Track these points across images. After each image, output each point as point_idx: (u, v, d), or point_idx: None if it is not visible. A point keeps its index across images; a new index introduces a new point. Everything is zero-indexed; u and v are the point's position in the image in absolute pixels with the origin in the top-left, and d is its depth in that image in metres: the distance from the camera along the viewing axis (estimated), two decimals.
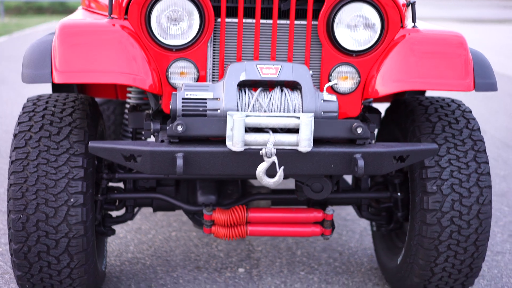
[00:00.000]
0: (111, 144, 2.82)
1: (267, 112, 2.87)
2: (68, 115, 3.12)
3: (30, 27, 19.51)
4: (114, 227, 4.30)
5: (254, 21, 3.02)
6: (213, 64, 3.05)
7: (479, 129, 3.31)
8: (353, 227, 4.59)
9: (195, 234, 4.39)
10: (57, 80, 2.84)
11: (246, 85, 2.93)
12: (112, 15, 3.04)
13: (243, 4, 2.98)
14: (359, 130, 2.87)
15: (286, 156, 2.82)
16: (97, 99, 5.08)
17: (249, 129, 2.83)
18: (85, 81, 2.87)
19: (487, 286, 3.76)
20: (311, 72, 2.94)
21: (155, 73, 2.97)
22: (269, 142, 2.75)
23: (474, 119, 3.35)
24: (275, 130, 2.85)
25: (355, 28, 3.05)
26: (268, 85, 2.96)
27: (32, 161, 2.97)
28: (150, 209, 4.76)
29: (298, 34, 3.06)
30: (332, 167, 2.88)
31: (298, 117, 2.79)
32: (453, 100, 3.49)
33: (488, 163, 3.23)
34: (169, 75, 3.00)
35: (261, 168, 2.75)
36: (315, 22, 3.05)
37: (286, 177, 2.90)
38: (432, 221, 3.17)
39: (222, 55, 3.03)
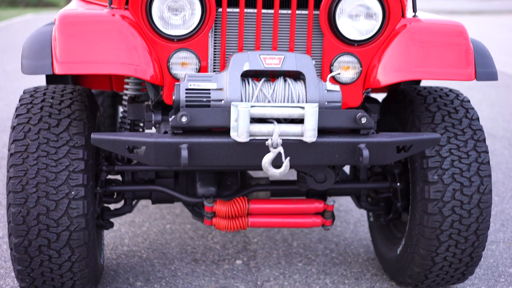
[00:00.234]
0: (114, 136, 2.79)
1: (271, 102, 2.85)
2: (66, 106, 3.07)
3: (5, 20, 19.27)
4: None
5: (255, 10, 3.00)
6: (214, 54, 3.02)
7: (478, 119, 3.32)
8: (346, 218, 4.59)
9: (190, 226, 4.37)
10: (57, 71, 2.79)
11: (248, 76, 2.91)
12: (112, 5, 3.00)
13: None
14: (364, 120, 2.85)
15: (291, 146, 2.80)
16: None
17: (253, 120, 2.81)
18: (86, 72, 2.83)
19: (484, 275, 3.78)
20: (313, 62, 2.92)
21: (156, 64, 2.94)
22: (275, 133, 2.74)
23: (472, 108, 3.36)
24: (278, 121, 2.83)
25: (357, 17, 3.04)
26: (269, 76, 2.93)
27: (31, 154, 2.93)
28: (143, 202, 4.72)
29: (300, 24, 3.04)
30: (336, 157, 2.86)
31: (302, 107, 2.77)
32: (451, 90, 3.50)
33: (488, 152, 3.24)
34: (170, 66, 2.97)
35: (267, 159, 2.73)
36: (317, 12, 3.03)
37: (290, 167, 2.88)
38: (433, 211, 3.17)
39: (223, 45, 3.00)
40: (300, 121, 2.85)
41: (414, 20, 3.14)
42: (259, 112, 2.76)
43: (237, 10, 2.99)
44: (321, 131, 2.87)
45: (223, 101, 2.81)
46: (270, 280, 3.65)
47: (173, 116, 2.81)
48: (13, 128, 3.00)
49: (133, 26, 2.92)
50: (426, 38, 3.08)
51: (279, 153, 2.74)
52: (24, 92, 3.19)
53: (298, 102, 2.86)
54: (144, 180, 3.41)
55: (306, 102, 2.85)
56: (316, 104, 2.77)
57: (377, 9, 3.04)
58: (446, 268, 3.33)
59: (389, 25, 3.07)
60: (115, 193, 3.43)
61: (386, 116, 3.61)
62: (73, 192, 2.92)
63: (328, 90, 2.88)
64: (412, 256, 3.32)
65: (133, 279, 3.61)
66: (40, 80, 8.93)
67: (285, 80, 2.89)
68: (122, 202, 3.52)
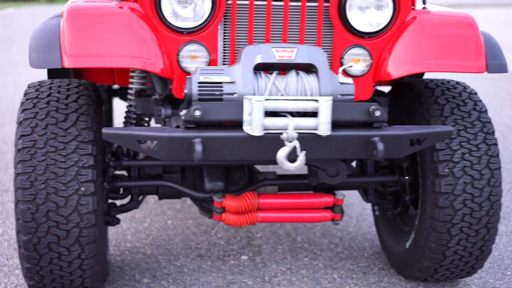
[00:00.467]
0: (126, 130, 2.74)
1: (284, 95, 2.81)
2: (73, 101, 3.02)
3: None
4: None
5: (265, 2, 2.96)
6: (224, 47, 2.98)
7: (486, 111, 3.30)
8: (348, 212, 4.57)
9: (192, 222, 4.32)
10: (67, 64, 2.74)
11: (259, 68, 2.87)
12: None
13: None
14: (378, 113, 2.82)
15: (305, 140, 2.76)
16: None
17: (265, 113, 2.77)
18: (95, 65, 2.78)
19: (490, 268, 3.77)
20: (325, 54, 2.89)
21: (166, 57, 2.89)
22: (290, 126, 2.70)
23: (480, 100, 3.34)
24: (291, 114, 2.80)
25: (367, 9, 3.01)
26: (279, 68, 2.90)
27: (39, 149, 2.87)
28: None
29: (310, 16, 3.00)
30: (350, 150, 2.83)
31: (317, 101, 2.74)
32: (458, 82, 3.48)
33: (497, 145, 3.22)
34: (180, 59, 2.92)
35: (282, 153, 2.69)
36: (327, 4, 3.00)
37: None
38: (444, 204, 3.15)
39: (233, 38, 2.96)
40: (312, 114, 2.81)
41: (424, 12, 3.11)
42: (273, 105, 2.72)
43: (247, 2, 2.94)
44: (333, 125, 2.84)
45: (235, 95, 2.77)
46: (278, 276, 3.62)
47: (184, 110, 2.77)
48: (20, 123, 2.94)
49: (142, 19, 2.87)
50: (436, 30, 3.06)
51: (294, 147, 2.70)
52: (29, 87, 3.13)
53: (311, 95, 2.83)
54: (151, 175, 3.36)
55: (319, 95, 2.82)
56: (330, 97, 2.74)
57: (388, 0, 3.01)
58: (457, 262, 3.31)
59: (399, 17, 3.04)
60: (121, 189, 3.37)
61: (392, 109, 3.58)
62: (82, 188, 2.87)
63: (341, 83, 2.85)
64: (422, 250, 3.30)
65: (139, 276, 3.56)
66: (26, 74, 8.83)
67: (297, 73, 2.85)
68: (128, 198, 3.46)
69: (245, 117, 2.73)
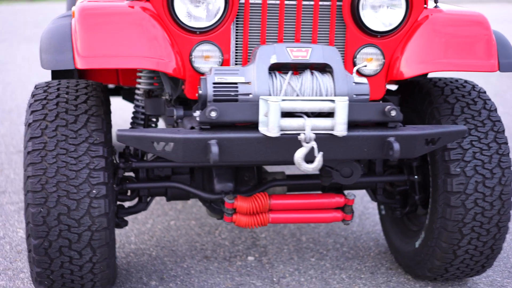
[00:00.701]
0: (140, 132, 2.70)
1: (299, 95, 2.78)
2: (83, 102, 2.97)
3: None
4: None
5: (278, 2, 2.92)
6: (236, 47, 2.94)
7: (496, 110, 3.29)
8: None
9: (195, 222, 4.29)
10: (80, 65, 2.70)
11: (272, 68, 2.84)
12: None
13: None
14: (393, 113, 2.80)
15: (321, 140, 2.73)
16: None
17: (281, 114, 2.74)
18: (109, 66, 2.74)
19: (497, 267, 3.77)
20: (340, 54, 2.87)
21: (179, 57, 2.85)
22: (307, 127, 2.67)
23: (490, 99, 3.34)
24: (306, 115, 2.77)
25: (380, 8, 2.99)
26: (292, 68, 2.87)
27: (50, 152, 2.82)
28: None
29: (323, 15, 2.97)
30: (365, 151, 2.81)
31: (333, 101, 2.71)
32: (466, 81, 3.47)
33: (507, 144, 3.21)
34: (192, 59, 2.88)
35: (300, 154, 2.66)
36: (340, 3, 2.97)
37: None
38: (456, 204, 3.14)
39: (246, 37, 2.93)
40: (327, 114, 2.79)
41: (436, 10, 3.10)
42: (290, 106, 2.69)
43: (259, 1, 2.91)
44: (348, 125, 2.82)
45: (251, 95, 2.74)
46: (286, 277, 3.59)
47: (198, 111, 2.74)
48: (29, 125, 2.89)
49: (155, 18, 2.83)
50: (449, 29, 3.05)
51: (312, 148, 2.67)
52: (36, 88, 3.07)
53: (326, 95, 2.80)
54: (160, 176, 3.32)
55: (334, 95, 2.79)
56: (347, 97, 2.71)
57: None
58: (467, 261, 3.30)
59: (412, 16, 3.03)
60: (129, 191, 3.33)
61: (401, 108, 3.56)
62: (94, 191, 2.83)
63: (356, 83, 2.83)
64: (433, 249, 3.29)
65: (146, 278, 3.52)
66: (14, 72, 8.73)
67: (311, 73, 2.83)
68: (136, 199, 3.42)
69: (261, 117, 2.70)
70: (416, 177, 3.46)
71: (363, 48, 3.00)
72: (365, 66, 2.98)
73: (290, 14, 2.94)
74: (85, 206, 2.82)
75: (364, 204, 4.65)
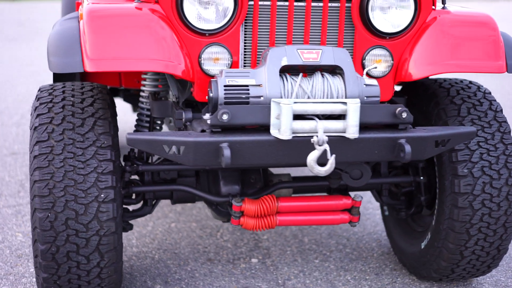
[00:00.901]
0: (151, 136, 2.67)
1: (310, 98, 2.76)
2: (89, 105, 2.93)
3: None
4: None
5: (287, 3, 2.90)
6: (245, 49, 2.91)
7: (501, 110, 3.29)
8: None
9: (195, 224, 4.25)
10: (89, 68, 2.66)
11: (282, 70, 2.81)
12: None
13: None
14: (404, 115, 2.80)
15: (332, 143, 2.72)
16: None
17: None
18: (118, 69, 2.70)
19: (500, 266, 3.77)
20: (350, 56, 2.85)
21: (188, 59, 2.82)
22: (320, 130, 2.65)
23: (495, 100, 3.34)
24: (318, 117, 2.75)
25: (389, 9, 2.98)
26: (302, 70, 2.85)
27: (57, 156, 2.78)
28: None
29: (332, 17, 2.95)
30: (376, 153, 2.80)
31: (345, 103, 2.70)
32: (471, 82, 3.47)
33: None
34: (201, 61, 2.85)
35: (313, 157, 2.64)
36: (349, 4, 2.95)
37: None
38: (464, 205, 3.13)
39: (255, 39, 2.90)
40: (338, 116, 2.77)
41: (444, 12, 3.09)
42: (302, 108, 2.67)
43: (269, 3, 2.88)
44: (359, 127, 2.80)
45: (262, 98, 2.72)
46: (291, 279, 3.57)
47: (208, 114, 2.71)
48: (35, 128, 2.85)
49: (163, 20, 2.79)
50: (457, 30, 3.04)
51: (325, 150, 2.65)
52: (41, 90, 3.03)
53: (337, 97, 2.78)
54: (166, 179, 3.28)
55: (345, 97, 2.78)
56: (358, 100, 2.70)
57: (410, 1, 2.97)
58: (474, 262, 3.30)
59: (420, 17, 3.01)
60: (134, 194, 3.29)
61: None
62: (102, 195, 2.79)
63: (366, 85, 2.81)
64: (439, 250, 3.28)
65: (151, 282, 3.48)
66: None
67: (322, 75, 2.81)
68: (141, 203, 3.38)
69: (273, 120, 2.67)
70: (421, 178, 3.45)
71: (372, 49, 2.99)
72: (375, 68, 2.96)
73: (299, 15, 2.92)
74: (93, 210, 2.78)
75: (363, 204, 4.64)
